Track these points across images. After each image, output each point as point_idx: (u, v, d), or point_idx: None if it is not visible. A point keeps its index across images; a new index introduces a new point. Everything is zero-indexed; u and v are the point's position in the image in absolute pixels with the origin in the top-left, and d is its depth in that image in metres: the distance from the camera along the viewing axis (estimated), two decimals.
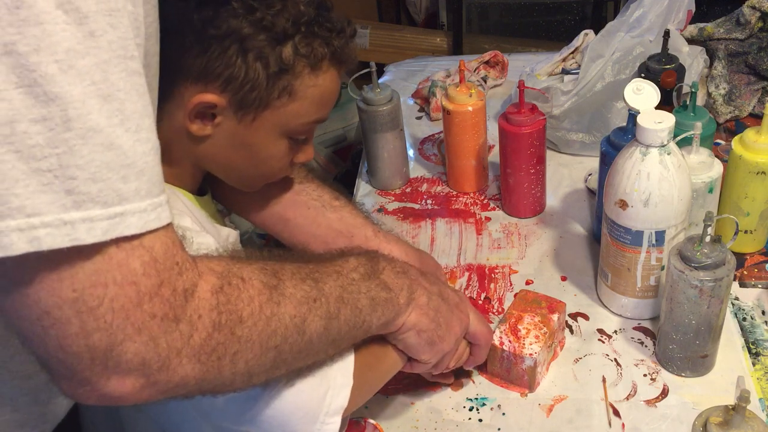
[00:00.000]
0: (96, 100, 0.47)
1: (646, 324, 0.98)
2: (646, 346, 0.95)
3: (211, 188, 0.91)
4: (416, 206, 1.26)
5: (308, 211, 0.93)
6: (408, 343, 0.78)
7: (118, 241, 0.49)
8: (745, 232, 1.03)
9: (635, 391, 0.89)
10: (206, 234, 0.78)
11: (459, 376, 0.92)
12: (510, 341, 0.89)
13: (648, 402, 0.88)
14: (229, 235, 0.89)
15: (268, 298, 0.60)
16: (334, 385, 0.73)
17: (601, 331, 0.98)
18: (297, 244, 0.95)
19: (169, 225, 0.54)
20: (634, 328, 0.98)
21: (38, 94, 0.45)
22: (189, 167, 0.82)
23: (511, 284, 1.07)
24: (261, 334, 0.59)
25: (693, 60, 1.25)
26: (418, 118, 1.50)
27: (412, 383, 0.92)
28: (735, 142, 0.99)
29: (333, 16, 0.77)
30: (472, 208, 1.23)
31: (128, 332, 0.51)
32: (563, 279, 1.07)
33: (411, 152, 1.38)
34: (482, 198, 1.25)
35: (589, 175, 1.25)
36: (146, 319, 0.51)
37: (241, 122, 0.76)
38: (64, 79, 0.46)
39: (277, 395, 0.71)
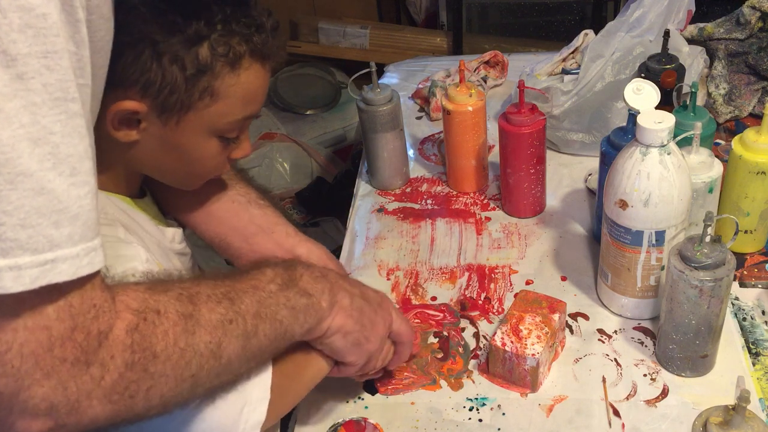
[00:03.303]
0: (26, 144, 0.46)
1: (646, 324, 0.98)
2: (646, 346, 0.95)
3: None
4: (416, 206, 1.26)
5: (232, 204, 0.92)
6: (334, 346, 0.77)
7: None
8: (745, 232, 1.03)
9: (635, 391, 0.89)
10: (137, 246, 0.77)
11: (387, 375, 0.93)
12: (512, 342, 0.89)
13: (648, 402, 0.88)
14: (175, 235, 0.88)
15: (183, 329, 0.59)
16: (250, 401, 0.73)
17: (601, 331, 0.98)
18: (214, 238, 0.93)
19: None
20: (634, 328, 0.98)
21: None
22: (123, 171, 0.81)
23: (511, 284, 1.07)
24: (175, 367, 0.58)
25: (693, 60, 1.25)
26: (418, 118, 1.50)
27: (412, 383, 0.92)
28: (735, 142, 0.99)
29: (253, 12, 0.75)
30: (472, 208, 1.23)
31: (36, 377, 0.49)
32: (563, 279, 1.07)
33: (411, 152, 1.38)
34: (482, 198, 1.25)
35: (589, 175, 1.25)
36: (56, 364, 0.50)
37: (166, 126, 0.75)
38: None
39: (194, 414, 0.70)
